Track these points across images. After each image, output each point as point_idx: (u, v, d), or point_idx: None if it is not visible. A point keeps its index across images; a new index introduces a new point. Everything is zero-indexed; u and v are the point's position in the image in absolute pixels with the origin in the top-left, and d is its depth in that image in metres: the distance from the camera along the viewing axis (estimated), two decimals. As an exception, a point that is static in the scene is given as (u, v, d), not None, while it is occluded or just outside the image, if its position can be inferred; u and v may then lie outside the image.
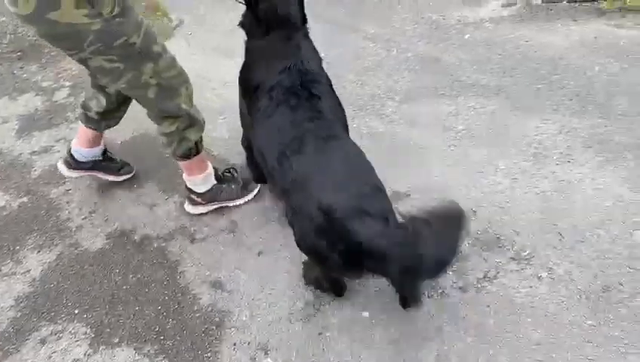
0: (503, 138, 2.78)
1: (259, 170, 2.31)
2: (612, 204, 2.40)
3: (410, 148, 2.80)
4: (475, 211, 2.44)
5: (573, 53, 3.29)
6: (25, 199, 2.84)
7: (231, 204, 2.60)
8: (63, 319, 2.25)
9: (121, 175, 2.81)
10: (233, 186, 2.59)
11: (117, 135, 3.16)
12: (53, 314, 2.28)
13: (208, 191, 2.54)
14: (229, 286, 2.28)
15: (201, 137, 2.38)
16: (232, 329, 2.13)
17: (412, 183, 2.57)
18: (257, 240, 2.45)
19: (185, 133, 2.29)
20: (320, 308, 2.16)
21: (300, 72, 2.00)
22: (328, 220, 1.63)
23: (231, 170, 2.68)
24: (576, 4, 3.71)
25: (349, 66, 3.40)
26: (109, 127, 2.59)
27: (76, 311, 2.28)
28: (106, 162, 2.73)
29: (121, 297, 2.30)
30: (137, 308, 2.25)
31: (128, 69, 2.01)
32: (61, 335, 2.20)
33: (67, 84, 3.64)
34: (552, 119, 2.83)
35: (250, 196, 2.62)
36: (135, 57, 1.99)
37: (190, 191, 2.54)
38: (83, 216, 2.68)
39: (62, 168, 2.65)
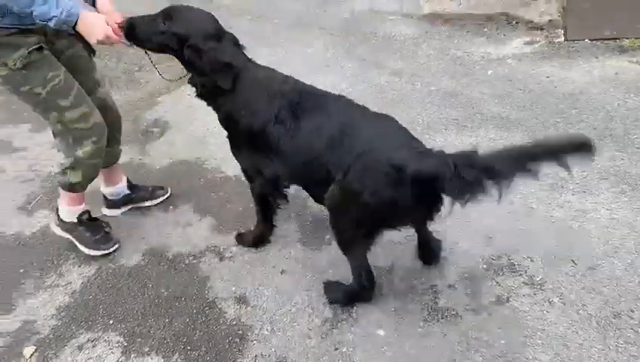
0: (521, 169, 2.87)
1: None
2: (626, 233, 2.46)
3: (430, 176, 2.92)
4: (490, 237, 2.53)
5: (593, 88, 3.38)
6: (69, 218, 3.08)
7: (79, 246, 2.76)
8: (99, 328, 2.42)
9: (156, 198, 3.05)
10: (87, 234, 2.74)
11: (155, 161, 3.42)
12: (90, 323, 2.45)
13: (65, 223, 2.74)
14: (252, 302, 2.42)
15: (81, 184, 2.60)
16: (254, 342, 2.26)
17: (430, 210, 2.68)
18: (281, 259, 2.60)
19: (67, 170, 2.55)
20: (337, 325, 2.27)
21: (292, 81, 2.26)
22: (400, 173, 1.91)
23: (100, 221, 2.83)
24: (599, 42, 3.82)
25: (373, 99, 3.57)
26: (108, 162, 2.85)
27: (111, 322, 2.44)
28: (135, 193, 3.02)
29: (153, 310, 2.47)
30: (167, 320, 2.41)
31: (38, 110, 2.43)
32: (97, 343, 2.36)
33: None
34: (570, 151, 2.92)
35: (98, 253, 2.74)
36: (41, 104, 2.38)
37: (57, 211, 2.76)
38: (121, 234, 2.88)
39: (104, 210, 3.03)
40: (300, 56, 4.36)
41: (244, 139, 2.31)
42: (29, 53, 2.24)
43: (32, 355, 2.35)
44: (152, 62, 2.54)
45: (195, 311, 2.43)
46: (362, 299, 2.32)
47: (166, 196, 3.05)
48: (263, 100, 2.21)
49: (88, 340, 2.38)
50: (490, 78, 3.68)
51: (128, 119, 3.91)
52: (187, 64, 2.26)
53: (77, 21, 2.13)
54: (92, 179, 2.65)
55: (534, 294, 2.27)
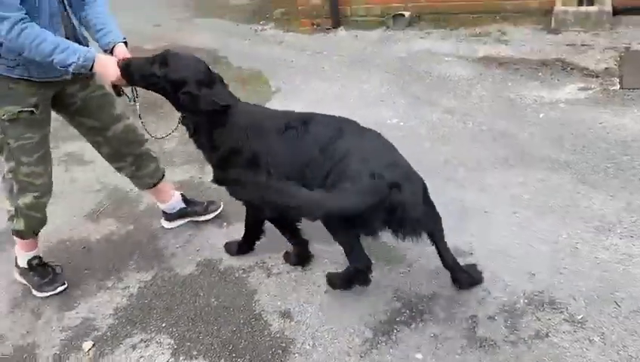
0: (568, 209, 2.91)
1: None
2: (674, 280, 2.44)
3: (477, 211, 2.99)
4: (533, 274, 2.56)
5: (646, 136, 3.39)
6: (131, 227, 3.31)
7: (32, 290, 2.87)
8: (152, 330, 2.58)
9: (210, 213, 3.23)
10: (35, 278, 2.85)
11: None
12: (144, 325, 2.62)
13: (20, 268, 2.89)
14: (296, 317, 2.53)
15: (25, 232, 2.75)
16: (296, 355, 2.36)
17: (475, 243, 2.75)
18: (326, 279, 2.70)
19: (13, 218, 2.72)
20: (377, 345, 2.35)
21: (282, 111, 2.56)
22: (377, 182, 2.15)
23: (48, 266, 2.91)
24: (655, 91, 3.82)
25: (425, 135, 3.69)
26: (148, 185, 3.07)
27: (163, 325, 2.60)
28: (190, 207, 3.21)
29: (202, 317, 2.61)
30: (215, 328, 2.54)
31: (2, 155, 2.60)
32: (149, 343, 2.52)
33: (176, 135, 4.15)
34: (619, 196, 2.93)
35: (43, 294, 2.84)
36: (6, 151, 2.56)
37: (16, 257, 2.91)
38: (178, 245, 3.08)
39: (163, 222, 3.25)
40: (355, 91, 4.54)
41: (246, 165, 2.46)
42: (18, 112, 2.46)
43: (89, 350, 2.53)
44: (142, 123, 2.76)
45: (241, 321, 2.56)
46: (358, 281, 2.47)
47: (219, 210, 3.23)
48: (264, 121, 2.46)
49: (141, 340, 2.54)
50: (542, 121, 3.74)
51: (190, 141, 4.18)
52: (180, 106, 2.48)
53: (93, 65, 2.37)
54: (35, 229, 2.78)
55: (575, 331, 2.28)
